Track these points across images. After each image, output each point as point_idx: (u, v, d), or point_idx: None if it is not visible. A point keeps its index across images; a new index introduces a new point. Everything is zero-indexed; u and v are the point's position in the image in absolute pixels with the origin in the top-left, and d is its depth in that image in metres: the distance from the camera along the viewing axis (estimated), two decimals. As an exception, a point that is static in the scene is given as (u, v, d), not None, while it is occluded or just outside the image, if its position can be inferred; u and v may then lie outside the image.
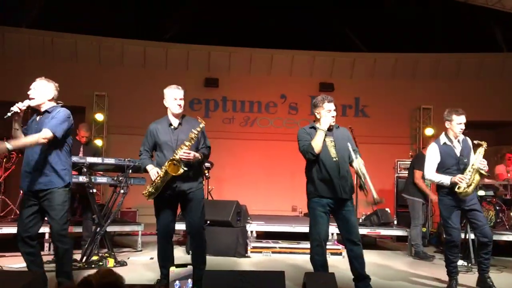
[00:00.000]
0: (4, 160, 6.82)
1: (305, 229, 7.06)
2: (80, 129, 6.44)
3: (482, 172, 4.50)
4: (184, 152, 4.02)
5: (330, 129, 4.31)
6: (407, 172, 8.02)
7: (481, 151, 4.59)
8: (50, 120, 3.77)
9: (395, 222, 7.81)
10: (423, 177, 5.87)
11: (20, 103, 3.69)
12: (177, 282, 1.31)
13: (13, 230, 6.14)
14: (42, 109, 3.86)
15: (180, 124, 4.27)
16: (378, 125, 11.05)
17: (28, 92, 3.83)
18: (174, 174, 4.00)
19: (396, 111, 11.12)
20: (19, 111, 3.67)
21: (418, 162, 6.78)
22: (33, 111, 3.92)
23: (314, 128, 4.33)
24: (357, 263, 4.22)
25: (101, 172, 6.13)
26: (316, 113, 4.38)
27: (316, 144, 4.13)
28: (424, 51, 11.18)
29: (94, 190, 5.50)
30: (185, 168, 4.02)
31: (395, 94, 11.16)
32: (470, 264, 5.77)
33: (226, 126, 11.22)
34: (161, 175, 4.04)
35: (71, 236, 5.90)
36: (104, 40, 10.69)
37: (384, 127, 11.02)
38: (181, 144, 4.12)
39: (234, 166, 10.67)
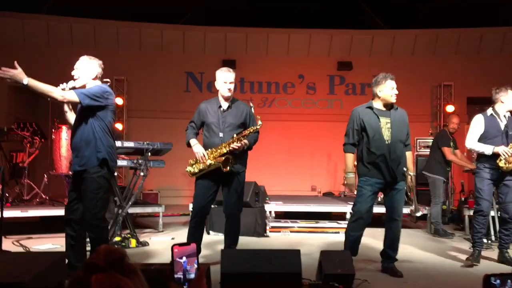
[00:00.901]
0: (28, 145, 6.99)
1: (323, 208, 7.12)
2: None
3: None
4: (236, 145, 4.13)
5: (388, 109, 4.30)
6: (426, 150, 7.96)
7: None
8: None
9: (415, 200, 7.76)
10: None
11: (63, 84, 3.59)
12: (184, 258, 1.32)
13: (39, 213, 6.37)
14: (82, 87, 3.75)
15: (229, 107, 4.32)
16: (397, 103, 10.83)
17: (72, 73, 3.74)
18: (222, 167, 4.09)
19: (416, 88, 10.94)
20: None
21: (443, 139, 6.74)
22: None
23: (371, 108, 4.32)
24: (391, 243, 4.31)
25: (122, 156, 6.25)
26: (377, 92, 4.35)
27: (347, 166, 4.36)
28: (445, 26, 10.92)
29: (115, 173, 5.62)
30: (233, 169, 4.16)
31: (415, 71, 10.96)
32: (490, 241, 5.76)
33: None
34: (209, 162, 4.14)
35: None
36: (121, 24, 10.75)
37: (404, 105, 10.60)
38: (228, 126, 4.22)
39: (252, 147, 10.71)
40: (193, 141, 4.29)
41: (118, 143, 5.70)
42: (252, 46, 11.20)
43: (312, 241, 5.92)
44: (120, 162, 5.82)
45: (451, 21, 10.79)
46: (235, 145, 4.12)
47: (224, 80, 4.28)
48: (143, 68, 10.83)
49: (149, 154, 5.68)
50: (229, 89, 4.26)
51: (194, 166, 4.21)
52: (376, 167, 4.20)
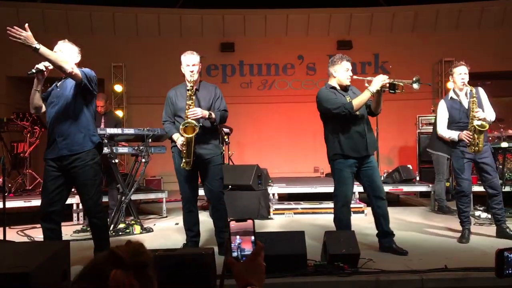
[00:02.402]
0: (28, 135, 6.97)
1: (326, 189, 7.10)
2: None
3: (480, 128, 4.46)
4: (191, 112, 4.00)
5: (345, 88, 4.27)
6: (429, 127, 7.92)
7: (474, 101, 4.57)
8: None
9: (418, 178, 7.76)
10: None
11: (46, 62, 3.48)
12: (240, 233, 1.31)
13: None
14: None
15: (197, 89, 4.27)
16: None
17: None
18: (192, 135, 3.98)
19: (417, 65, 10.82)
20: (44, 69, 3.51)
21: None
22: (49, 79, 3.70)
23: (334, 88, 4.29)
24: (382, 220, 4.30)
25: (123, 143, 6.24)
26: (332, 72, 4.32)
27: (359, 104, 4.10)
28: (445, 1, 10.77)
29: (116, 160, 5.60)
30: (200, 124, 4.02)
31: (415, 48, 10.85)
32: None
33: (244, 90, 11.16)
34: (184, 142, 4.06)
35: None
36: (117, 10, 10.63)
37: (405, 82, 10.78)
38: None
39: (253, 130, 10.69)
40: (175, 136, 4.21)
41: (119, 130, 5.69)
42: (250, 28, 11.09)
43: (316, 222, 5.92)
44: (121, 149, 5.80)
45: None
46: (189, 112, 3.99)
47: (187, 63, 4.21)
48: (141, 53, 10.75)
49: (150, 140, 5.65)
50: (192, 71, 4.18)
51: (183, 158, 4.16)
52: (352, 142, 4.17)
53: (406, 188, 7.28)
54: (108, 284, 0.99)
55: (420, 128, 8.54)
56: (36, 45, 3.26)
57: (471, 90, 4.61)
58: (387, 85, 4.06)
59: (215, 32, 10.98)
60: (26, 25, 3.25)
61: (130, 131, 5.71)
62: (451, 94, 4.81)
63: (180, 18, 10.88)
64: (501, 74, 10.21)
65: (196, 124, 3.97)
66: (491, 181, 4.70)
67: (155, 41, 10.82)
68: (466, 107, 4.67)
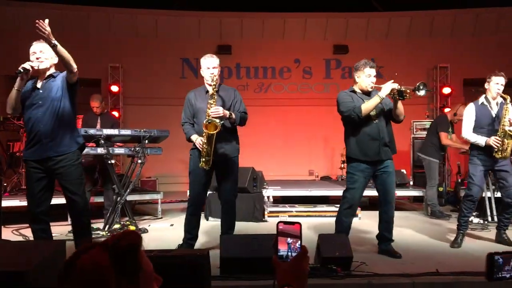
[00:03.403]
0: (24, 134, 6.97)
1: (321, 192, 7.17)
2: (90, 101, 6.52)
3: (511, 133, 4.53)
4: (213, 110, 4.05)
5: (368, 93, 4.31)
6: (423, 133, 7.99)
7: (508, 108, 4.62)
8: (64, 74, 3.70)
9: (411, 183, 7.83)
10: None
11: (32, 62, 3.55)
12: (289, 239, 1.35)
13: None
14: (47, 74, 3.73)
15: (217, 91, 4.32)
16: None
17: (37, 56, 3.66)
18: (214, 132, 4.02)
19: (412, 71, 10.90)
20: (31, 69, 3.55)
21: (442, 125, 6.79)
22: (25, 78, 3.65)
23: (354, 92, 4.35)
24: (386, 225, 4.38)
25: (119, 143, 6.26)
26: (355, 77, 4.37)
27: (367, 108, 4.15)
28: (440, 8, 10.86)
29: (113, 161, 5.63)
30: (221, 122, 4.07)
31: (411, 53, 10.94)
32: (486, 222, 5.83)
33: (240, 93, 11.12)
34: (205, 141, 4.10)
35: (94, 206, 6.15)
36: (115, 11, 10.65)
37: (400, 88, 10.86)
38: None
39: (249, 133, 10.59)
40: (194, 137, 4.27)
41: (115, 131, 5.71)
42: (247, 31, 11.13)
43: (310, 225, 5.96)
44: (118, 150, 5.82)
45: (446, 2, 10.73)
46: (211, 110, 4.04)
47: (207, 65, 4.30)
48: (138, 55, 10.77)
49: (146, 141, 5.68)
50: (212, 74, 4.24)
51: (202, 157, 4.19)
52: (365, 147, 4.24)
53: (400, 193, 7.32)
54: (78, 260, 1.03)
55: (415, 133, 8.62)
56: (55, 41, 3.40)
57: (505, 98, 4.69)
58: (396, 91, 4.12)
59: (212, 35, 11.02)
60: (47, 21, 3.38)
61: (127, 132, 5.73)
62: (482, 100, 4.84)
63: (178, 20, 10.92)
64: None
65: (218, 122, 4.02)
66: (508, 189, 4.72)
67: (153, 42, 10.84)
68: (494, 115, 4.72)
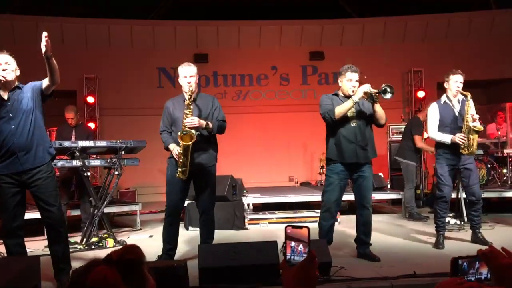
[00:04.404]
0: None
1: (301, 198, 7.19)
2: (65, 112, 6.41)
3: (476, 129, 4.62)
4: (188, 120, 4.03)
5: (349, 96, 4.34)
6: (399, 136, 8.10)
7: (469, 104, 4.70)
8: (34, 85, 3.68)
9: (389, 186, 7.92)
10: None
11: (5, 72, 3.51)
12: (292, 243, 1.33)
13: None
14: (13, 85, 3.64)
15: (195, 99, 4.29)
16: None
17: (3, 68, 3.56)
18: (190, 143, 3.99)
19: (387, 75, 11.00)
20: (3, 80, 3.52)
21: (415, 126, 6.89)
22: None
23: (337, 95, 4.42)
24: (363, 228, 4.43)
25: (94, 155, 6.17)
26: (339, 81, 4.44)
27: (340, 111, 4.22)
28: (413, 13, 11.07)
29: (89, 173, 5.54)
30: (197, 132, 4.04)
31: (386, 58, 11.09)
32: (462, 222, 5.91)
33: (218, 101, 11.17)
34: (181, 152, 4.07)
35: (71, 220, 6.04)
36: (89, 21, 10.56)
37: (376, 92, 11.01)
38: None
39: (228, 141, 10.57)
40: (172, 146, 4.24)
41: (91, 143, 5.63)
42: (223, 39, 11.16)
43: (290, 231, 5.97)
44: (94, 162, 5.74)
45: (419, 7, 10.95)
46: (187, 121, 4.03)
47: (184, 74, 4.29)
48: (114, 65, 10.68)
49: (123, 152, 5.61)
50: (189, 83, 4.23)
51: (178, 168, 4.16)
52: (342, 149, 4.30)
53: (378, 196, 7.40)
54: (88, 278, 1.04)
55: (391, 136, 8.72)
56: (49, 53, 3.50)
57: (466, 96, 4.78)
58: (367, 94, 4.20)
59: (189, 44, 11.01)
60: (46, 34, 3.46)
61: (103, 143, 5.66)
62: (444, 98, 4.93)
63: (153, 30, 10.88)
64: (470, 83, 10.50)
65: (194, 133, 4.00)
66: (472, 187, 4.82)
67: (128, 52, 10.77)
68: (457, 113, 4.80)
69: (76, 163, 5.35)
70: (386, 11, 11.10)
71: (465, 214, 6.10)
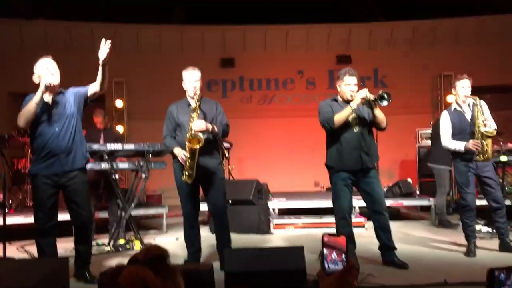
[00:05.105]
0: (29, 151, 6.99)
1: (327, 203, 7.05)
2: (93, 116, 6.53)
3: (488, 134, 4.50)
4: (196, 124, 4.05)
5: (349, 101, 4.28)
6: (429, 141, 7.94)
7: (479, 109, 4.59)
8: (77, 91, 3.89)
9: (418, 192, 7.76)
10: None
11: (51, 78, 3.68)
12: (333, 248, 1.31)
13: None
14: (57, 90, 3.82)
15: (199, 105, 4.31)
16: (398, 95, 10.69)
17: (52, 72, 3.76)
18: (197, 146, 4.00)
19: (416, 80, 10.91)
20: (52, 84, 3.70)
21: None
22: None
23: (336, 100, 4.36)
24: (382, 234, 4.31)
25: (123, 158, 6.25)
26: (337, 86, 4.40)
27: (339, 119, 4.16)
28: (443, 17, 10.86)
29: (117, 176, 5.61)
30: (205, 136, 4.04)
31: (414, 62, 10.92)
32: (494, 230, 5.72)
33: (244, 105, 11.21)
34: (188, 155, 4.07)
35: (98, 221, 6.13)
36: (119, 26, 10.73)
37: (404, 96, 10.77)
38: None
39: (254, 145, 10.70)
40: (176, 150, 4.24)
41: (119, 146, 5.71)
42: (250, 43, 11.18)
43: (317, 237, 5.88)
44: (122, 165, 5.81)
45: (449, 10, 10.73)
46: (194, 124, 4.03)
47: (189, 79, 4.30)
48: (142, 70, 10.82)
49: (150, 155, 5.67)
50: (195, 87, 4.23)
51: (184, 171, 4.16)
52: (346, 157, 4.24)
53: (406, 202, 7.27)
54: (120, 279, 1.05)
55: (420, 142, 8.57)
56: (104, 60, 3.78)
57: (474, 100, 4.66)
58: (365, 101, 4.13)
59: (216, 48, 11.07)
60: (109, 41, 3.78)
61: (130, 146, 5.73)
62: (454, 106, 4.85)
63: (182, 35, 10.98)
64: (499, 87, 10.25)
65: (201, 136, 4.01)
66: (494, 194, 4.71)
67: (156, 57, 10.89)
68: (469, 119, 4.70)
69: (104, 166, 5.43)
70: (415, 15, 10.92)
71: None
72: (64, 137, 3.74)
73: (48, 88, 3.67)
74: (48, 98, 3.77)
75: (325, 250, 1.30)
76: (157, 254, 1.12)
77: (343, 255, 1.26)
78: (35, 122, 3.73)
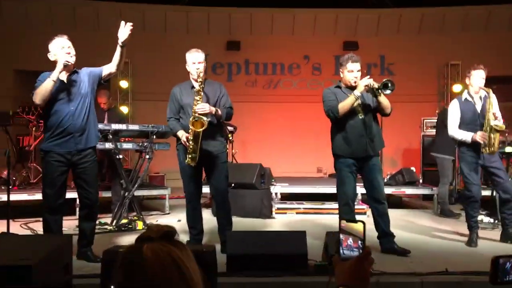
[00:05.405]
0: (34, 128, 7.01)
1: (329, 189, 7.09)
2: (97, 96, 6.50)
3: (497, 128, 4.47)
4: (199, 106, 4.03)
5: (354, 88, 4.25)
6: (433, 130, 7.91)
7: (491, 101, 4.54)
8: (91, 71, 3.92)
9: (421, 181, 7.75)
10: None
11: (67, 57, 3.71)
12: (344, 236, 1.31)
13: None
14: (72, 69, 3.85)
15: (202, 87, 4.29)
16: (403, 83, 10.62)
17: (68, 51, 3.77)
18: (201, 129, 4.00)
19: (423, 68, 10.82)
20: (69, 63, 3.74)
21: (447, 118, 6.69)
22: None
23: (339, 87, 4.33)
24: (381, 221, 4.29)
25: (127, 139, 6.26)
26: (340, 72, 4.36)
27: (343, 107, 4.13)
28: (452, 4, 10.72)
29: (120, 156, 5.63)
30: (208, 119, 4.03)
31: (421, 50, 10.81)
32: (496, 221, 5.73)
33: (249, 89, 11.16)
34: (191, 138, 4.07)
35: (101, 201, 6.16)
36: (124, 6, 10.65)
37: (410, 84, 10.68)
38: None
39: (258, 129, 10.68)
40: (180, 133, 4.22)
41: (123, 126, 5.71)
42: (256, 26, 11.08)
43: (319, 222, 5.93)
44: (126, 145, 5.82)
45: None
46: (198, 107, 4.02)
47: (193, 60, 4.26)
48: (147, 50, 10.74)
49: (154, 136, 5.67)
50: (198, 69, 4.20)
51: (187, 154, 4.15)
52: (350, 143, 4.22)
53: (409, 191, 7.27)
54: (144, 256, 1.04)
55: (425, 131, 8.53)
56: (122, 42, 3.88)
57: (487, 92, 4.61)
58: (369, 88, 4.10)
59: (222, 30, 10.98)
60: (129, 24, 3.89)
61: (135, 127, 5.73)
62: (465, 95, 4.77)
63: (187, 15, 10.89)
64: (508, 78, 10.16)
65: (205, 119, 4.00)
66: (504, 184, 4.65)
67: (162, 37, 10.83)
68: (479, 110, 4.65)
69: (108, 145, 5.44)
70: (423, 1, 10.78)
71: (499, 213, 5.93)
72: (79, 116, 3.79)
73: (65, 67, 3.71)
74: (64, 76, 3.80)
75: (341, 236, 1.30)
76: (169, 230, 1.12)
77: (359, 242, 1.25)
78: (50, 100, 3.75)
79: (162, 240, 1.08)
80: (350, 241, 1.27)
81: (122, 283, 1.05)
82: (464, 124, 4.69)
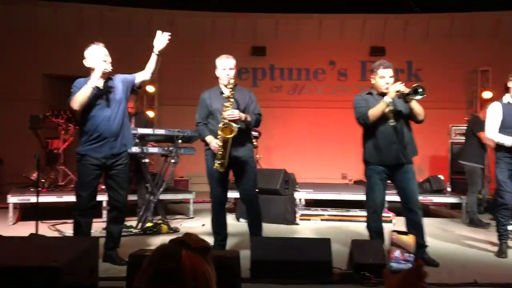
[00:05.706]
0: (63, 132, 7.15)
1: (354, 196, 7.02)
2: None
3: None
4: (229, 113, 4.05)
5: (384, 94, 4.19)
6: (461, 138, 7.75)
7: None
8: (125, 78, 4.05)
9: (449, 189, 7.59)
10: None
11: (105, 65, 3.86)
12: (398, 251, 1.29)
13: (74, 198, 6.50)
14: (107, 76, 3.97)
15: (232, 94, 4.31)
16: (431, 90, 10.37)
17: (105, 59, 3.90)
18: (230, 136, 4.02)
19: (452, 74, 10.61)
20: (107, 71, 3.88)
21: (476, 125, 6.55)
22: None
23: (371, 94, 4.28)
24: (415, 232, 4.19)
25: (153, 143, 6.31)
26: (371, 79, 4.31)
27: (373, 114, 4.08)
28: (482, 10, 10.50)
29: (147, 160, 5.69)
30: (238, 125, 4.04)
31: (450, 56, 10.62)
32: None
33: (274, 94, 11.15)
34: (220, 144, 4.09)
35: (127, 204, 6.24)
36: (154, 12, 10.80)
37: (438, 91, 10.44)
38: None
39: (282, 135, 10.66)
40: (209, 138, 4.25)
41: (149, 131, 5.77)
42: (282, 32, 11.08)
43: (343, 230, 5.86)
44: (152, 149, 5.88)
45: (489, 3, 10.37)
46: (227, 114, 4.04)
47: (223, 67, 4.29)
48: (174, 55, 10.83)
49: (180, 141, 5.71)
50: (228, 75, 4.21)
51: (216, 159, 4.17)
52: (381, 151, 4.15)
53: (436, 199, 7.13)
54: (182, 262, 1.04)
55: (453, 138, 8.37)
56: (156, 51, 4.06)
57: None
58: (400, 94, 4.02)
59: (247, 36, 11.02)
60: (166, 33, 4.04)
61: (161, 131, 5.79)
62: (507, 99, 4.64)
63: (213, 21, 10.97)
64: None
65: (234, 126, 4.01)
66: None
67: (188, 42, 10.92)
68: None
69: (135, 149, 5.50)
70: (452, 7, 10.59)
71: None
72: (114, 121, 3.90)
73: (103, 75, 3.84)
74: (100, 83, 3.90)
75: (391, 249, 1.27)
76: (208, 246, 1.12)
77: (408, 255, 1.22)
78: (87, 105, 3.85)
79: (199, 252, 1.08)
80: (397, 253, 1.24)
81: (152, 282, 1.04)
82: (504, 128, 4.54)
